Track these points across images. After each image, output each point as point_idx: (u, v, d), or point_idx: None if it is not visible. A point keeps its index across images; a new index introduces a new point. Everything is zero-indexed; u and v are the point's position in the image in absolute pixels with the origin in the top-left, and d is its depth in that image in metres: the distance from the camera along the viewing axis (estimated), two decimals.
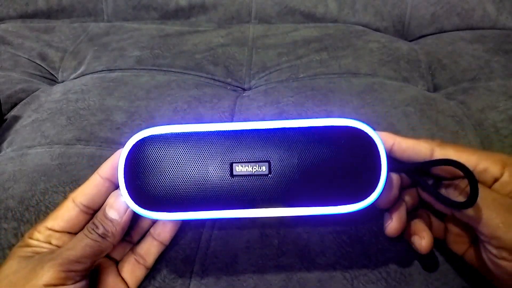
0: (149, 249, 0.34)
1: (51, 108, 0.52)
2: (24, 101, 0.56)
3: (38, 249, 0.30)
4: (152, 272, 0.34)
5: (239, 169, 0.28)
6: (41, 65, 0.65)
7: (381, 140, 0.28)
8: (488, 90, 0.54)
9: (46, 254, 0.29)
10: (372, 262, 0.33)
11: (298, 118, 0.49)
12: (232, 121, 0.51)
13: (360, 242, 0.35)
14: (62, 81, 0.63)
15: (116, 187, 0.31)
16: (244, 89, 0.61)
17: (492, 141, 0.47)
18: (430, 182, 0.31)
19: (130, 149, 0.29)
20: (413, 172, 0.31)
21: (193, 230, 0.37)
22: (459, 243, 0.33)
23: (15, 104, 0.56)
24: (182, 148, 0.28)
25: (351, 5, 0.73)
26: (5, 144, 0.49)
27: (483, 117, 0.50)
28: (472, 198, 0.27)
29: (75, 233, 0.31)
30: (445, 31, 0.71)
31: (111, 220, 0.30)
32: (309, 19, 0.74)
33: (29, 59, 0.65)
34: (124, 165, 0.29)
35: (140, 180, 0.29)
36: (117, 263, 0.34)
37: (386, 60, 0.62)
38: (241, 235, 0.35)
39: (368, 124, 0.29)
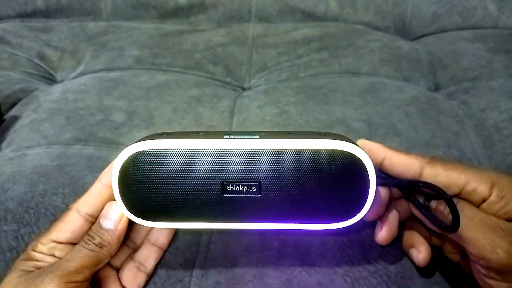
0: (148, 255, 0.34)
1: (50, 108, 0.52)
2: (23, 101, 0.56)
3: (39, 263, 0.31)
4: (152, 277, 0.34)
5: (230, 188, 0.29)
6: (40, 65, 0.65)
7: (371, 161, 0.29)
8: (490, 89, 0.54)
9: (46, 267, 0.30)
10: (372, 265, 0.33)
11: (299, 119, 0.49)
12: (231, 121, 0.51)
13: (361, 245, 0.34)
14: (61, 81, 0.63)
15: None
16: (244, 89, 0.61)
17: (494, 141, 0.46)
18: (421, 199, 0.31)
19: (125, 161, 0.29)
20: (403, 188, 0.31)
21: (193, 233, 0.36)
22: (454, 253, 0.33)
23: (14, 104, 0.55)
24: (175, 165, 0.29)
25: (351, 4, 0.73)
26: (4, 144, 0.49)
27: (485, 117, 0.49)
28: (454, 224, 0.27)
29: None
30: (446, 31, 0.71)
31: (106, 230, 0.31)
32: (310, 18, 0.74)
33: (27, 59, 0.65)
34: (119, 176, 0.29)
35: (134, 191, 0.29)
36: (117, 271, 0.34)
37: (387, 59, 0.61)
38: (241, 238, 0.35)
39: (357, 145, 0.29)
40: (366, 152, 0.29)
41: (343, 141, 0.28)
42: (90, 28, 0.72)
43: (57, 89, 0.57)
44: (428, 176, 0.30)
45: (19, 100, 0.56)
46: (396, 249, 0.34)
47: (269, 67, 0.62)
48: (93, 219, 0.32)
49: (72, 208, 0.32)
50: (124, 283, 0.33)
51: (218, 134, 0.30)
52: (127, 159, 0.29)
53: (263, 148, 0.28)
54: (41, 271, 0.29)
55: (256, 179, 0.28)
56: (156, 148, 0.29)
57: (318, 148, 0.28)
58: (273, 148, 0.28)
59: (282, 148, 0.28)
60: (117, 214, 0.31)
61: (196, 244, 0.36)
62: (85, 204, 0.32)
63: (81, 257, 0.29)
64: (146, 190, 0.29)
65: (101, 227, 0.31)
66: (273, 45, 0.66)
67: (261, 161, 0.28)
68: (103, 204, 0.32)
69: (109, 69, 0.61)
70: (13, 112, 0.54)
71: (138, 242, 0.35)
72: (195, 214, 0.29)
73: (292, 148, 0.28)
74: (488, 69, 0.58)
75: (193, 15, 0.75)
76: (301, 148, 0.28)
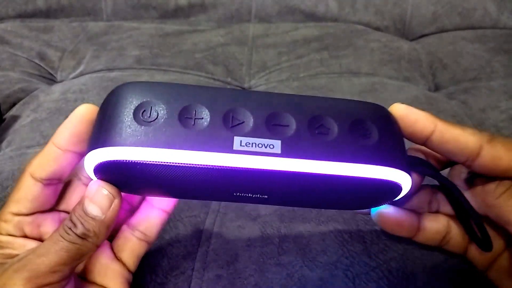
0: (150, 221, 0.28)
1: (50, 108, 0.52)
2: (23, 100, 0.55)
3: (10, 251, 0.25)
4: (154, 267, 0.33)
5: (237, 194, 0.25)
6: (40, 65, 0.65)
7: (410, 182, 0.24)
8: (489, 89, 0.54)
9: (14, 261, 0.23)
10: (374, 260, 0.33)
11: None
12: None
13: (362, 240, 0.34)
14: (61, 81, 0.63)
15: (80, 156, 0.25)
16: (244, 89, 0.61)
17: None
18: (463, 176, 0.27)
19: (101, 163, 0.22)
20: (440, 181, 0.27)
21: (194, 226, 0.36)
22: (458, 246, 0.31)
23: (14, 104, 0.55)
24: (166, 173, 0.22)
25: (351, 4, 0.73)
26: (4, 144, 0.48)
27: (485, 117, 0.49)
28: (486, 246, 0.26)
29: (49, 210, 0.26)
30: (446, 31, 0.71)
31: (92, 218, 0.23)
32: (310, 18, 0.74)
33: (28, 59, 0.65)
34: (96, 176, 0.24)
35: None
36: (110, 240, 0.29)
37: (387, 59, 0.61)
38: (242, 232, 0.35)
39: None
40: (410, 124, 0.24)
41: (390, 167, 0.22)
42: (91, 28, 0.72)
43: (57, 89, 0.57)
44: (488, 158, 0.24)
45: (19, 99, 0.56)
46: (397, 244, 0.34)
47: (269, 67, 0.62)
48: (52, 182, 0.25)
49: (26, 171, 0.25)
50: (120, 254, 0.28)
51: (226, 125, 0.22)
52: (104, 163, 0.22)
53: (271, 168, 0.22)
54: (7, 266, 0.23)
55: (264, 194, 0.25)
56: (140, 160, 0.21)
57: (360, 176, 0.22)
58: (298, 171, 0.22)
59: (310, 172, 0.22)
60: (105, 198, 0.23)
61: (198, 237, 0.35)
62: (39, 169, 0.24)
63: (57, 251, 0.22)
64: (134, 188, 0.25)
65: (86, 213, 0.23)
66: (273, 45, 0.66)
67: (270, 180, 0.23)
68: (62, 169, 0.25)
69: (109, 69, 0.61)
70: (13, 112, 0.54)
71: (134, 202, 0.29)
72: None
73: (327, 174, 0.22)
74: (487, 69, 0.58)
75: (193, 15, 0.75)
76: (338, 175, 0.22)
